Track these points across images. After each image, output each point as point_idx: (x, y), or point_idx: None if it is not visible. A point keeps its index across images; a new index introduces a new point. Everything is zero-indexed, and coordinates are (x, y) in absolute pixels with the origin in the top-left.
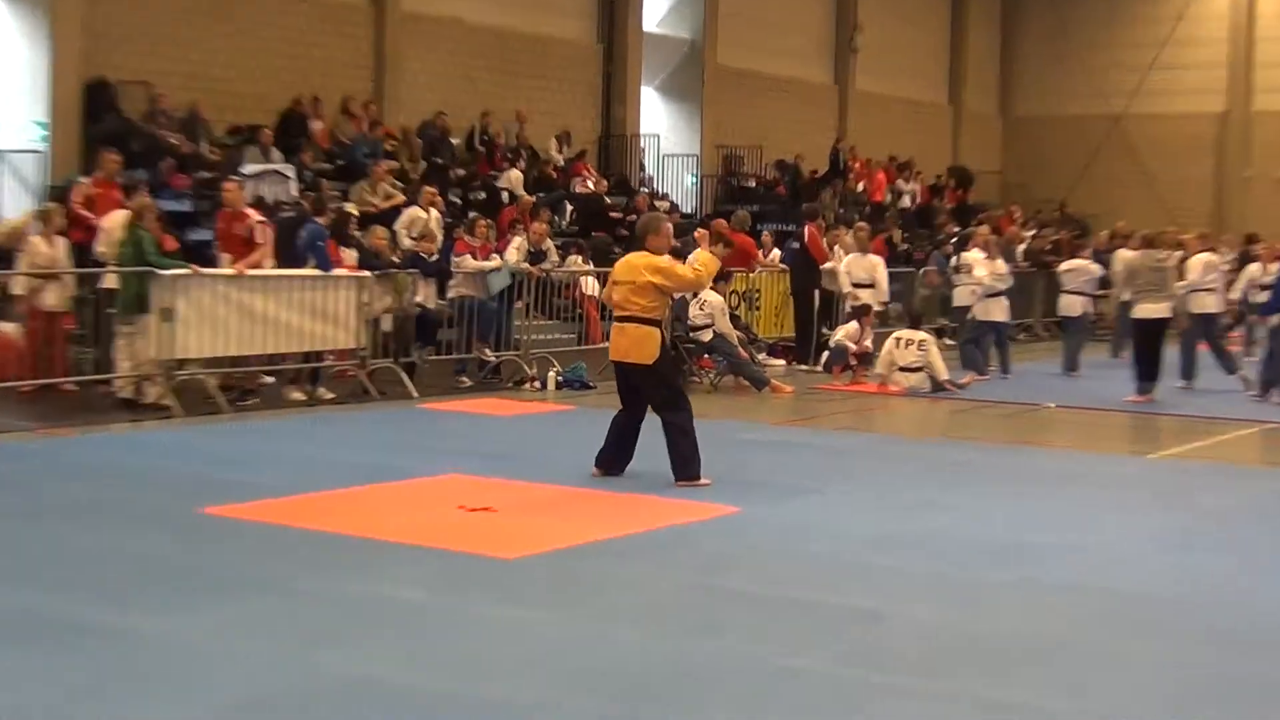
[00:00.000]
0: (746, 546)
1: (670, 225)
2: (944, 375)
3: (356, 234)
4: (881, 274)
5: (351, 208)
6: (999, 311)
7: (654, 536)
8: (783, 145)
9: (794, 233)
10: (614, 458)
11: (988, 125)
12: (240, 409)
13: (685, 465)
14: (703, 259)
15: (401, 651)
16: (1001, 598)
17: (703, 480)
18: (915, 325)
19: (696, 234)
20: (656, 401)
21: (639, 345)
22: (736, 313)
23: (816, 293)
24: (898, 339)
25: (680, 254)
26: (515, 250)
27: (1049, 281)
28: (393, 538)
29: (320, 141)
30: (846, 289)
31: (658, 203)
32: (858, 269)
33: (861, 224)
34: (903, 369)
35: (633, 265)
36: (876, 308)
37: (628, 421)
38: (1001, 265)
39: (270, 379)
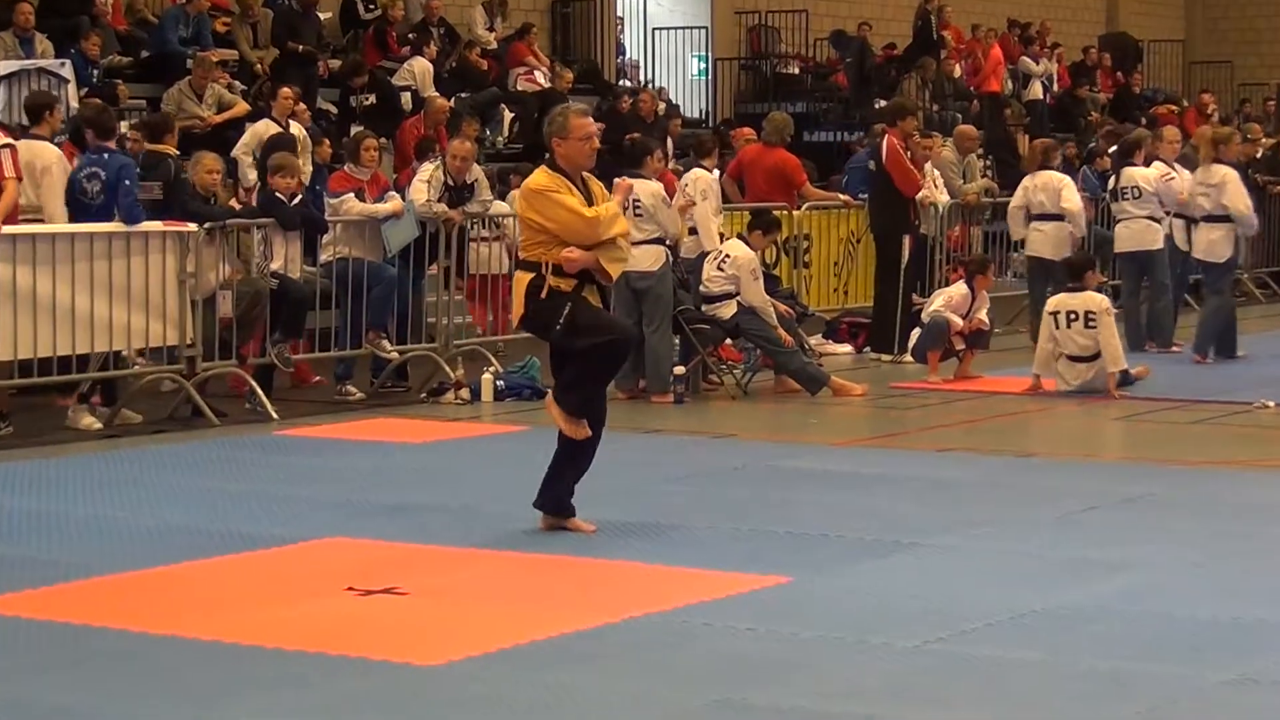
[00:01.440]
0: (796, 641)
1: (588, 123)
2: (1122, 363)
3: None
4: (1073, 199)
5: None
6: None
7: (647, 626)
8: (840, 9)
9: (857, 143)
10: (550, 477)
11: None
12: None
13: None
14: (607, 210)
15: None
16: (1219, 709)
17: (577, 523)
18: (1076, 279)
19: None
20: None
21: (516, 302)
22: (774, 272)
23: (907, 241)
24: (1055, 313)
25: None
26: (425, 185)
27: (1263, 210)
28: (250, 639)
29: (113, 21)
30: (1019, 233)
31: (654, 104)
32: (1042, 192)
33: (967, 127)
34: (1071, 358)
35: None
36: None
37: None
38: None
39: (69, 397)
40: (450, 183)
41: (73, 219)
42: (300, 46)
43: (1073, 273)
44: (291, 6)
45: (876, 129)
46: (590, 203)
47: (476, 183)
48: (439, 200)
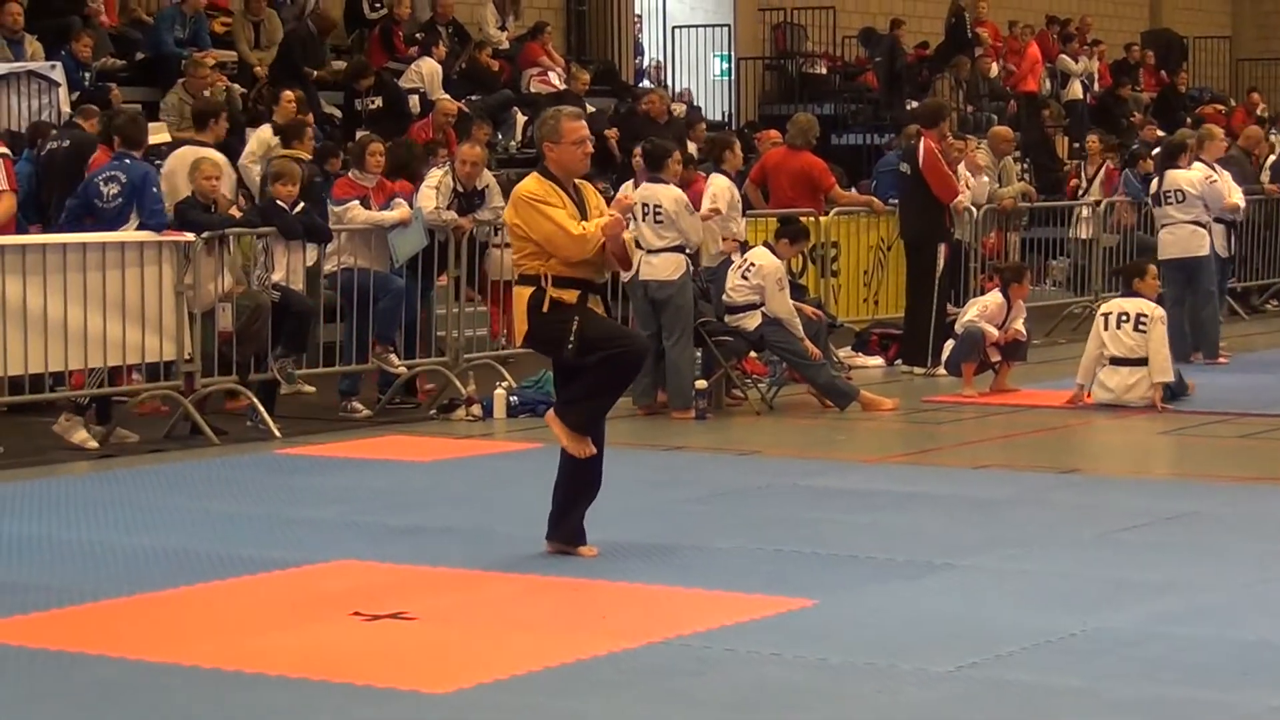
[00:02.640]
0: (824, 667)
1: (580, 126)
2: (1168, 374)
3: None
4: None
5: (160, 130)
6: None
7: (668, 651)
8: (869, 6)
9: (887, 145)
10: (561, 508)
11: None
12: None
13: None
14: (596, 228)
15: None
16: None
17: (583, 549)
18: (1129, 285)
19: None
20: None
21: (517, 319)
22: (801, 281)
23: (943, 249)
24: (1107, 314)
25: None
26: (434, 191)
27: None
28: (253, 666)
29: (105, 19)
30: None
31: (671, 105)
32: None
33: (1002, 129)
34: (1115, 361)
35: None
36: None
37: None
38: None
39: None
40: (459, 189)
41: (86, 225)
42: (315, 72)
43: (1128, 278)
44: (309, 30)
45: (910, 130)
46: (583, 212)
47: (487, 189)
48: (448, 207)
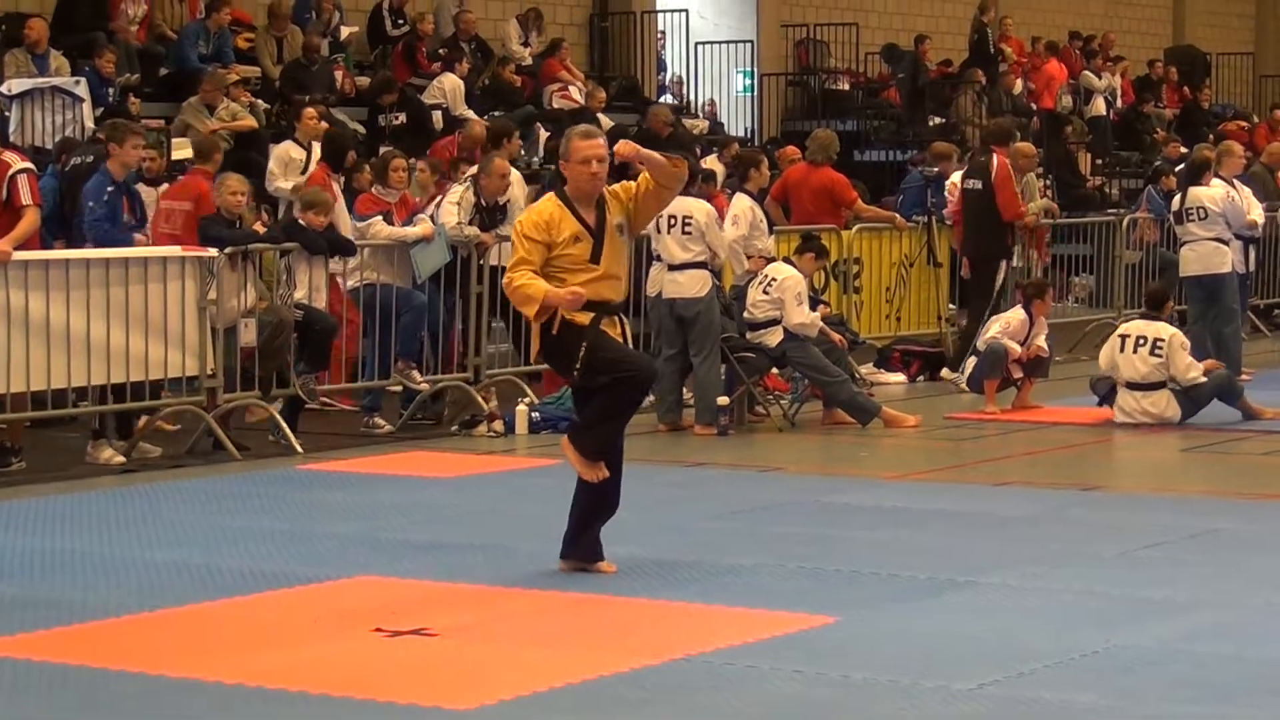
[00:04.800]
0: (846, 684)
1: (588, 145)
2: (1196, 372)
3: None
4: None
5: (183, 146)
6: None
7: (690, 668)
8: (893, 22)
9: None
10: (577, 528)
11: None
12: None
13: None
14: (522, 286)
15: None
16: None
17: (601, 565)
18: (1156, 309)
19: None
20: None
21: (532, 337)
22: (822, 297)
23: (1004, 266)
24: (1124, 337)
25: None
26: (455, 207)
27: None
28: (275, 682)
29: (131, 36)
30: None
31: (689, 121)
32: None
33: (1025, 145)
34: (1132, 385)
35: None
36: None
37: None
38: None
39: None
40: (482, 204)
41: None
42: (306, 98)
43: (1152, 302)
44: (316, 21)
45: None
46: (600, 230)
47: (510, 203)
48: (470, 223)
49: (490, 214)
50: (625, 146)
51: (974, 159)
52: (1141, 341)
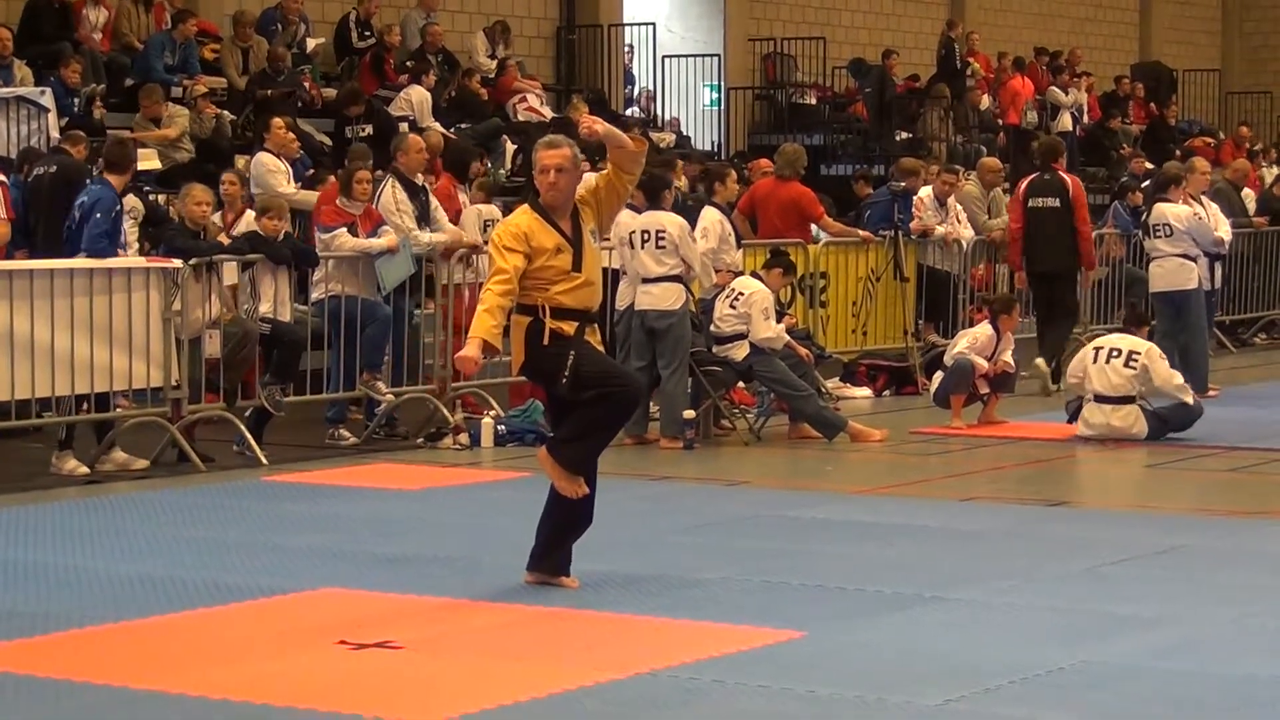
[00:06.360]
0: (812, 699)
1: (546, 155)
2: (1186, 394)
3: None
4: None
5: (149, 156)
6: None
7: (656, 683)
8: (859, 37)
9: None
10: (547, 542)
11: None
12: None
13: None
14: (481, 308)
15: None
16: None
17: (564, 580)
18: (1139, 324)
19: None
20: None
21: (515, 349)
22: (788, 310)
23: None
24: (1098, 349)
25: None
26: (395, 210)
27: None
28: (239, 695)
29: (96, 45)
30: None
31: (656, 134)
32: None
33: (991, 160)
34: (1101, 399)
35: None
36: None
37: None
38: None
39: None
40: (408, 184)
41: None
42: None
43: (1131, 320)
44: (282, 32)
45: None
46: (577, 239)
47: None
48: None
49: (418, 196)
50: (593, 123)
51: (1040, 178)
52: (1115, 353)
